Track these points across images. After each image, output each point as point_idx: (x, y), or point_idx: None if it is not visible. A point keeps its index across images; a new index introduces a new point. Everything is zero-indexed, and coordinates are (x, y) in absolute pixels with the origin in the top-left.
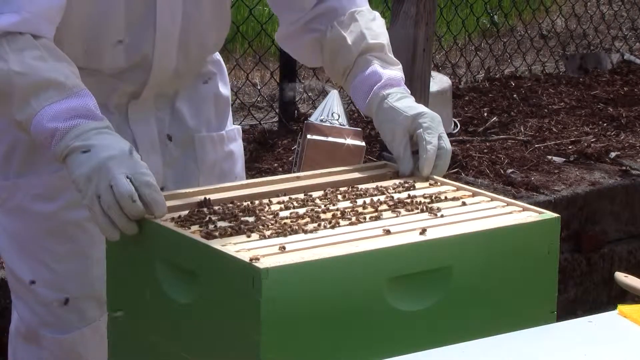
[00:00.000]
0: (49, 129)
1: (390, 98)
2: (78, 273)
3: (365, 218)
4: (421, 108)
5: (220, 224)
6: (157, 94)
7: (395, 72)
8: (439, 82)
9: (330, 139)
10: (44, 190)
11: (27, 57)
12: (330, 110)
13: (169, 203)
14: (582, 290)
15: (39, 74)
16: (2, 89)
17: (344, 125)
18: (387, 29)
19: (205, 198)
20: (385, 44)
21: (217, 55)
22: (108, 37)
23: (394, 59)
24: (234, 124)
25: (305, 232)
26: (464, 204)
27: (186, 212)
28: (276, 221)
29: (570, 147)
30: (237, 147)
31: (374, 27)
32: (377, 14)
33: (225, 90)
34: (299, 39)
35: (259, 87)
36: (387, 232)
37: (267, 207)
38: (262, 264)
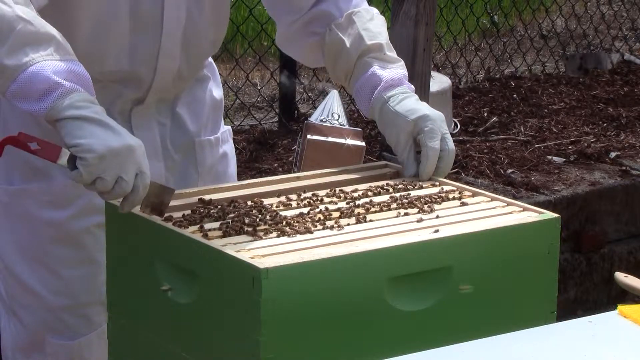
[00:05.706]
0: (52, 82)
1: (392, 101)
2: (86, 279)
3: (365, 218)
4: (423, 110)
5: (220, 224)
6: (159, 100)
7: (396, 71)
8: (439, 82)
9: (330, 139)
10: (56, 197)
11: (31, 9)
12: (330, 110)
13: (170, 203)
14: (582, 290)
15: (43, 27)
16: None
17: (344, 125)
18: (387, 29)
19: (203, 198)
20: (384, 43)
21: (209, 58)
22: (113, 38)
23: (394, 56)
24: (234, 124)
25: (305, 232)
26: (464, 204)
27: (186, 212)
28: (276, 221)
29: (570, 147)
30: (230, 148)
31: (372, 27)
32: (375, 12)
33: (218, 92)
34: (298, 42)
35: (259, 87)
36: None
37: (267, 207)
38: (262, 264)
